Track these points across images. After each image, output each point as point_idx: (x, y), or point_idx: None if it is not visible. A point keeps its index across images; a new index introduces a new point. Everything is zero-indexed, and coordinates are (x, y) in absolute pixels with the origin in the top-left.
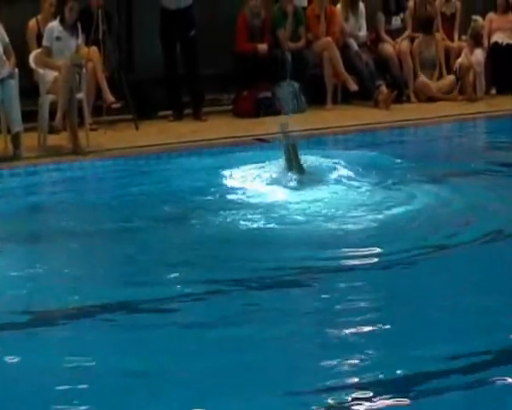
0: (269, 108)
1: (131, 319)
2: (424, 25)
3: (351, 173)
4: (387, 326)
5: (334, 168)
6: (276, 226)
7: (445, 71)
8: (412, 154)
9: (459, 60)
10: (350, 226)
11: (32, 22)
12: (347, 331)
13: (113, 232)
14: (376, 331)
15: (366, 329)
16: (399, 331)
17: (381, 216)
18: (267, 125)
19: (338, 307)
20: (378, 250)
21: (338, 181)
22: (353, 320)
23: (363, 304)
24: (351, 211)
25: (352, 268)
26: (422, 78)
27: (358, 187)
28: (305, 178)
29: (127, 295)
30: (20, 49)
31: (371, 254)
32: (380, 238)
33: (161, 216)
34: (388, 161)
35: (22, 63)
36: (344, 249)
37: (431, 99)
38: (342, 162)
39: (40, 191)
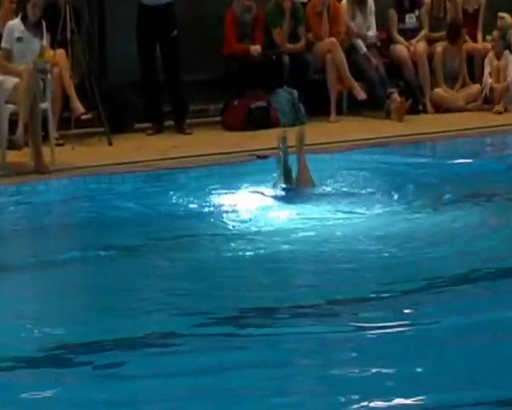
0: (263, 120)
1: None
2: (452, 33)
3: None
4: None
5: (332, 190)
6: (271, 259)
7: (468, 80)
8: (429, 173)
9: (487, 75)
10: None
11: None
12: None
13: (80, 262)
14: None
15: None
16: None
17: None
18: (261, 140)
19: None
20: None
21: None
22: None
23: None
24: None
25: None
26: (439, 89)
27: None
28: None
29: (96, 334)
30: None
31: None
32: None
33: (136, 244)
34: (400, 182)
35: None
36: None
37: (449, 110)
38: (343, 182)
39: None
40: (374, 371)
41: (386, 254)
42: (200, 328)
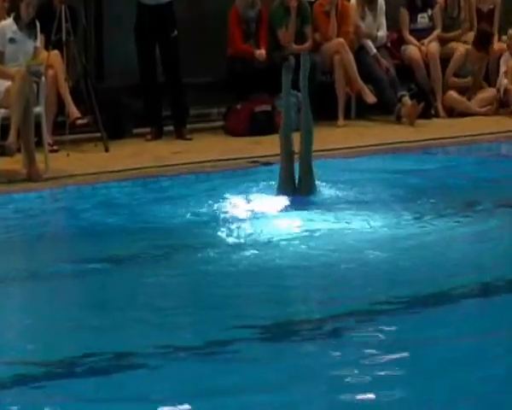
0: (267, 125)
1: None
2: (480, 40)
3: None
4: None
5: (341, 197)
6: (281, 272)
7: (483, 83)
8: (441, 181)
9: (502, 75)
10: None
11: None
12: None
13: (75, 275)
14: None
15: None
16: None
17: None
18: (265, 146)
19: None
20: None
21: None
22: None
23: None
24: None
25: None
26: (452, 92)
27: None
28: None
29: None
30: None
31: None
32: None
33: (135, 255)
34: (410, 190)
35: None
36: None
37: (464, 113)
38: (352, 189)
39: None
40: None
41: (393, 266)
42: (196, 346)
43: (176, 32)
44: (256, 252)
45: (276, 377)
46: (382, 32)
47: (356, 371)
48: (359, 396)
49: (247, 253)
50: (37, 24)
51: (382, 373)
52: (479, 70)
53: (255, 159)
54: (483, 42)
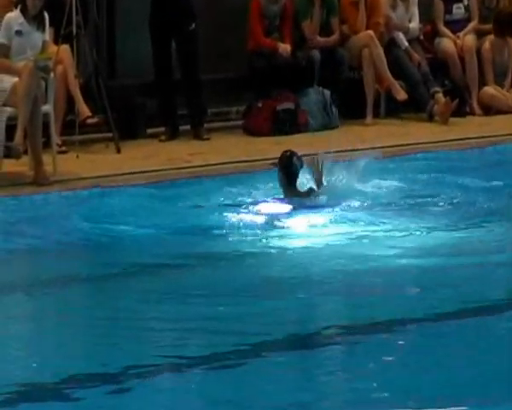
0: (290, 124)
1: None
2: (498, 25)
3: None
4: None
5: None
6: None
7: None
8: (476, 183)
9: None
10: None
11: None
12: None
13: (85, 284)
14: None
15: None
16: None
17: None
18: (288, 146)
19: None
20: None
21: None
22: None
23: None
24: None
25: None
26: (489, 88)
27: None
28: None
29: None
30: None
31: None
32: None
33: (149, 264)
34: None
35: None
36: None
37: (501, 112)
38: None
39: None
40: None
41: (423, 272)
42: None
43: (194, 26)
44: (273, 259)
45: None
46: (415, 24)
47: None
48: None
49: (263, 260)
50: (46, 16)
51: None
52: (509, 59)
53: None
54: (501, 27)
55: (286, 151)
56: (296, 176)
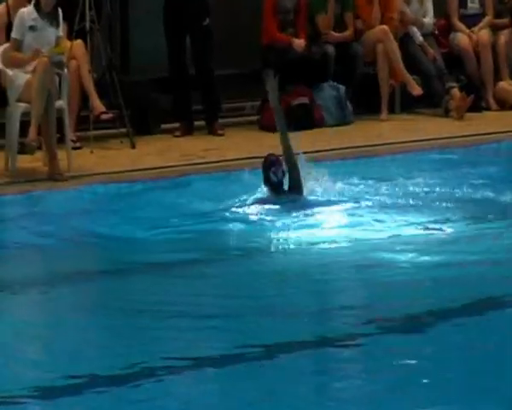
0: (305, 119)
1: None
2: None
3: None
4: None
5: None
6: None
7: None
8: (493, 180)
9: None
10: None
11: (1, 8)
12: None
13: (100, 280)
14: None
15: None
16: None
17: None
18: (303, 142)
19: None
20: None
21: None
22: None
23: None
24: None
25: None
26: (504, 82)
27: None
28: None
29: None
30: None
31: None
32: None
33: (162, 262)
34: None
35: None
36: None
37: None
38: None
39: (5, 229)
40: None
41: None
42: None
43: (208, 21)
44: (288, 257)
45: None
46: (429, 19)
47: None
48: None
49: (286, 257)
50: (60, 11)
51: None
52: None
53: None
54: None
55: (264, 162)
56: (281, 185)
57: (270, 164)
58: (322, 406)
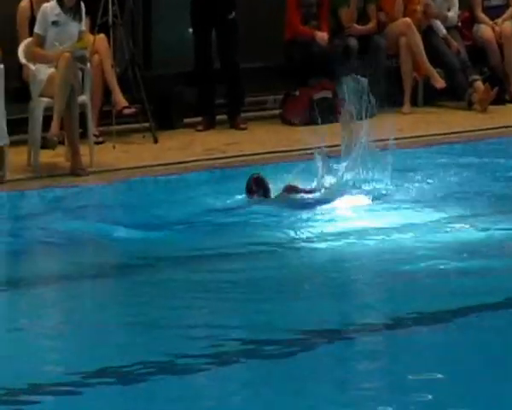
0: (328, 113)
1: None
2: None
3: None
4: None
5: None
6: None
7: None
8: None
9: None
10: None
11: (24, 3)
12: None
13: (122, 275)
14: None
15: None
16: None
17: None
18: (326, 136)
19: None
20: None
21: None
22: None
23: None
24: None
25: None
26: None
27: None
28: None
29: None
30: (7, 39)
31: None
32: None
33: (188, 256)
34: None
35: (10, 57)
36: None
37: None
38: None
39: (29, 224)
40: None
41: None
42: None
43: (234, 14)
44: (308, 252)
45: None
46: (454, 13)
47: None
48: None
49: (312, 252)
50: (82, 6)
51: None
52: None
53: (313, 150)
54: None
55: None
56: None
57: (249, 189)
58: (346, 398)
